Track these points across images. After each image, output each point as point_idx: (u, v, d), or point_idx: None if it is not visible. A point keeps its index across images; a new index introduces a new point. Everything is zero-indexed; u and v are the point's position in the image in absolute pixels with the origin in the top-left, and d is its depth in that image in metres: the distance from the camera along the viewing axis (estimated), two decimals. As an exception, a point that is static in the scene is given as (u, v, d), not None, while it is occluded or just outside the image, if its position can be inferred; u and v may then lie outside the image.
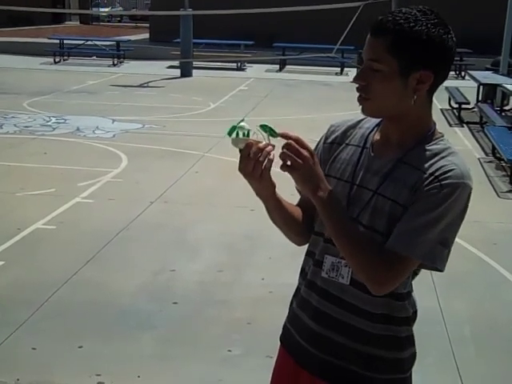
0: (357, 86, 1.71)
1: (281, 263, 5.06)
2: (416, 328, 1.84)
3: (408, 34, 1.61)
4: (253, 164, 1.63)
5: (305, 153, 1.60)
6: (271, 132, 1.61)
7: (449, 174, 1.63)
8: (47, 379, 3.50)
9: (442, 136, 1.75)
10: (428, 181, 1.64)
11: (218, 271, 4.99)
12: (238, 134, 1.62)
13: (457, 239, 1.71)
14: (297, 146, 1.59)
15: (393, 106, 1.69)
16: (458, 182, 1.63)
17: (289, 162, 1.61)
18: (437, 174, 1.64)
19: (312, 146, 1.69)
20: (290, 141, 1.59)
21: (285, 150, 1.59)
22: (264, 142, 1.62)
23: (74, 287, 4.62)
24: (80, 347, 3.84)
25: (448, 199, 1.62)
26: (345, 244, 1.67)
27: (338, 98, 13.06)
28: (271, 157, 1.64)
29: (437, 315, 4.33)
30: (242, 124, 1.62)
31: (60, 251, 5.28)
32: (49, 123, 10.32)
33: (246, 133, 1.62)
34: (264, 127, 1.61)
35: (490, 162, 8.59)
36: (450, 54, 1.66)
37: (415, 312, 1.84)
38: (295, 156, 1.59)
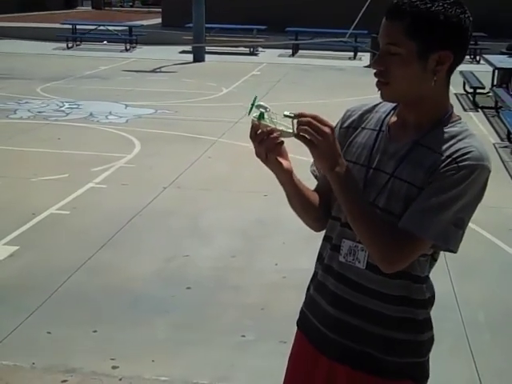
0: (375, 71, 1.70)
1: (294, 248, 5.06)
2: (431, 313, 1.83)
3: (425, 14, 1.60)
4: (257, 145, 1.64)
5: (325, 129, 1.59)
6: (291, 116, 1.61)
7: (467, 156, 1.62)
8: (62, 363, 3.52)
9: (460, 119, 1.74)
10: (445, 163, 1.63)
11: (231, 257, 4.99)
12: (265, 116, 1.62)
13: (471, 224, 1.69)
14: (316, 123, 1.58)
15: (412, 89, 1.67)
16: (476, 163, 1.62)
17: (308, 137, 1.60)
18: (454, 156, 1.63)
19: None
20: (309, 118, 1.58)
21: (306, 127, 1.58)
22: (270, 128, 1.61)
23: (87, 273, 4.64)
24: (94, 331, 3.86)
25: (465, 180, 1.61)
26: (358, 221, 1.67)
27: (351, 83, 12.99)
28: (278, 141, 1.64)
29: (451, 300, 4.31)
30: (260, 103, 1.62)
31: (74, 236, 5.30)
32: (62, 108, 10.34)
33: (263, 113, 1.62)
34: (290, 114, 1.61)
35: (505, 147, 8.52)
36: (467, 33, 1.65)
37: (433, 296, 1.83)
38: (315, 132, 1.58)
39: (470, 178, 1.61)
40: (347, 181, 1.65)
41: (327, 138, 1.59)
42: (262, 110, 1.63)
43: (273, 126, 1.63)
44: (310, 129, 1.57)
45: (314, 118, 1.59)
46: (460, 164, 1.61)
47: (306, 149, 1.61)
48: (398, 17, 1.62)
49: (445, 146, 1.65)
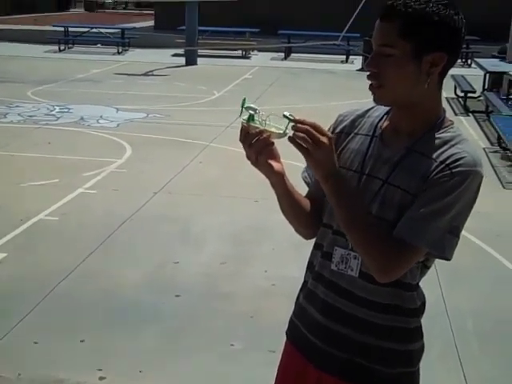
0: (368, 73, 1.68)
1: (284, 255, 5.05)
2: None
3: (419, 15, 1.59)
4: (247, 148, 1.63)
5: (323, 139, 1.57)
6: (289, 119, 1.59)
7: (460, 162, 1.61)
8: (49, 374, 3.50)
9: (452, 123, 1.73)
10: (439, 169, 1.62)
11: (221, 263, 4.98)
12: (255, 118, 1.61)
13: (460, 230, 1.68)
14: (314, 132, 1.57)
15: (406, 91, 1.66)
16: (469, 169, 1.61)
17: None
18: (448, 161, 1.62)
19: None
20: (307, 127, 1.57)
21: (304, 135, 1.56)
22: (259, 130, 1.60)
23: (76, 279, 4.61)
24: (82, 341, 3.83)
25: (459, 187, 1.60)
26: (353, 231, 1.66)
27: (343, 87, 13.01)
28: (268, 142, 1.62)
29: (440, 308, 4.31)
30: (250, 104, 1.61)
31: (63, 243, 5.28)
32: (53, 112, 10.31)
33: (253, 115, 1.61)
34: (288, 116, 1.59)
35: (495, 151, 8.53)
36: (460, 34, 1.65)
37: (423, 304, 1.83)
38: (312, 142, 1.56)
39: (464, 184, 1.61)
40: (343, 190, 1.64)
41: (324, 147, 1.57)
42: (252, 112, 1.61)
43: (262, 128, 1.61)
44: (307, 137, 1.56)
45: (314, 127, 1.57)
46: (453, 170, 1.61)
47: (297, 153, 1.59)
48: (392, 18, 1.62)
49: (438, 152, 1.65)
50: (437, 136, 1.67)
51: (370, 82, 1.69)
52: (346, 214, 1.65)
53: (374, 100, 1.71)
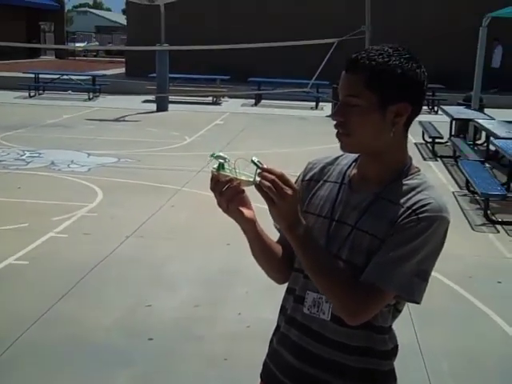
0: (335, 122, 1.72)
1: (257, 298, 5.03)
2: (394, 363, 1.82)
3: (383, 68, 1.65)
4: (218, 196, 1.65)
5: (288, 191, 1.58)
6: (257, 165, 1.61)
7: (426, 208, 1.65)
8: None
9: (419, 170, 1.77)
10: (405, 214, 1.65)
11: (194, 306, 4.93)
12: (220, 166, 1.64)
13: (433, 272, 1.71)
14: (280, 183, 1.58)
15: (372, 140, 1.70)
16: (435, 215, 1.65)
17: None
18: (414, 207, 1.65)
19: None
20: (273, 177, 1.58)
21: (269, 185, 1.58)
22: (228, 178, 1.62)
23: (46, 324, 4.52)
24: (53, 386, 3.75)
25: (425, 232, 1.63)
26: (320, 279, 1.68)
27: (313, 132, 13.16)
28: (238, 190, 1.65)
29: (415, 349, 4.31)
30: (219, 153, 1.63)
31: (33, 287, 5.19)
32: (23, 157, 10.24)
33: (222, 163, 1.63)
34: (257, 162, 1.61)
35: (464, 195, 8.67)
36: (423, 86, 1.71)
37: (396, 347, 1.83)
38: (278, 192, 1.58)
39: (430, 229, 1.64)
40: (306, 240, 1.65)
41: (288, 199, 1.58)
42: (221, 161, 1.63)
43: (232, 176, 1.63)
44: (272, 187, 1.58)
45: (280, 177, 1.58)
46: (420, 216, 1.64)
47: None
48: (357, 70, 1.67)
49: (404, 198, 1.68)
50: (404, 183, 1.71)
51: (336, 130, 1.73)
52: (312, 263, 1.67)
53: (341, 147, 1.75)
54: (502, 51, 21.17)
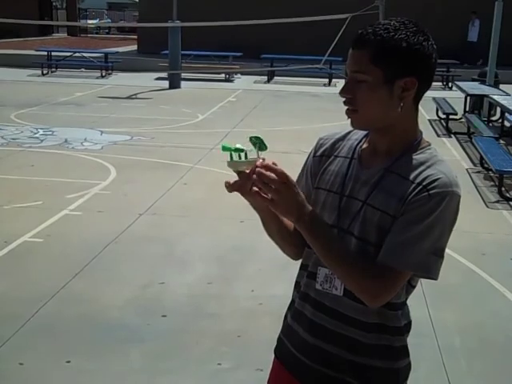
0: (344, 99, 1.71)
1: (270, 275, 5.05)
2: (407, 340, 1.82)
3: (389, 42, 1.63)
4: (251, 183, 1.61)
5: (283, 187, 1.57)
6: (261, 145, 1.60)
7: (436, 183, 1.64)
8: (34, 395, 3.46)
9: (429, 145, 1.76)
10: (416, 191, 1.64)
11: (207, 283, 4.96)
12: (233, 157, 1.61)
13: (446, 250, 1.70)
14: (269, 174, 1.55)
15: (380, 116, 1.69)
16: (446, 190, 1.64)
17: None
18: (424, 183, 1.64)
19: (301, 158, 1.68)
20: (269, 173, 1.56)
21: (265, 184, 1.56)
22: (260, 161, 1.59)
23: (61, 301, 4.57)
24: (68, 362, 3.79)
25: (437, 208, 1.62)
26: (334, 264, 1.68)
27: (326, 109, 13.09)
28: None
29: (427, 326, 4.32)
30: (238, 146, 1.61)
31: (47, 264, 5.23)
32: (36, 135, 10.27)
33: (244, 155, 1.60)
34: (254, 139, 1.60)
35: (478, 172, 8.62)
36: (430, 59, 1.68)
37: (409, 323, 1.84)
38: (274, 190, 1.57)
39: (442, 205, 1.63)
40: (315, 228, 1.65)
41: (286, 192, 1.57)
42: (240, 153, 1.60)
43: (246, 161, 1.60)
44: (269, 184, 1.56)
45: (280, 174, 1.56)
46: (431, 192, 1.63)
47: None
48: (363, 46, 1.66)
49: (414, 173, 1.67)
50: (414, 157, 1.70)
51: (346, 107, 1.72)
52: (324, 251, 1.67)
53: (351, 124, 1.75)
54: (479, 24, 20.72)
